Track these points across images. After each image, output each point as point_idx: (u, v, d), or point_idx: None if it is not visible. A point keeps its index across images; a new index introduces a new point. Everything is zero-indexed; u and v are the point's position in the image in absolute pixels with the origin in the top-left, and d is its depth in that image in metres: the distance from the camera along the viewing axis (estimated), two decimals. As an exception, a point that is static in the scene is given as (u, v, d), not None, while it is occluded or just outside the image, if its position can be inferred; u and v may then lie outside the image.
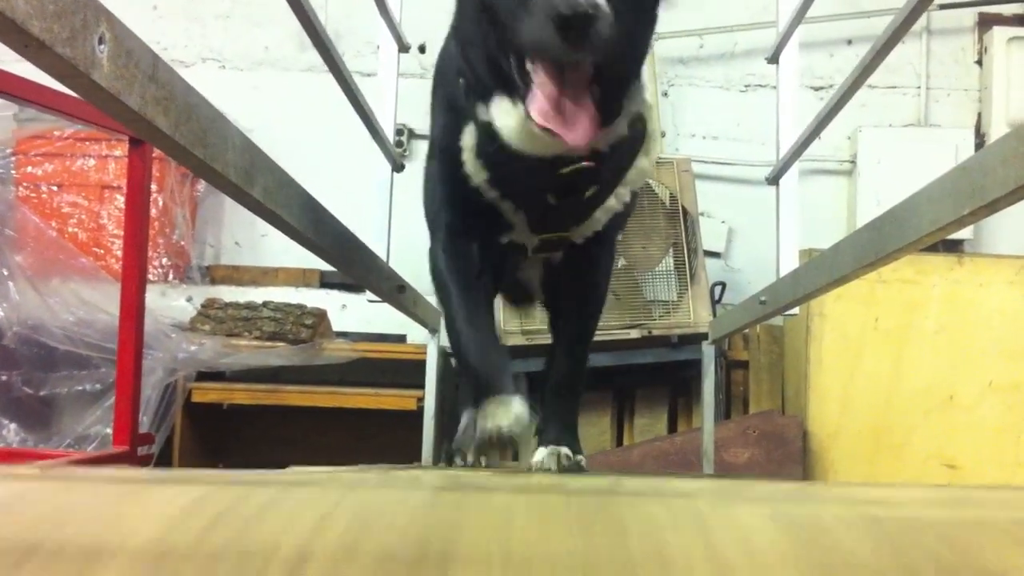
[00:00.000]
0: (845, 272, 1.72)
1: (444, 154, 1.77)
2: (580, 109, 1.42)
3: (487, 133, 1.59)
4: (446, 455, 2.67)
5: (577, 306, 1.96)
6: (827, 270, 1.84)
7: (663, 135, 5.07)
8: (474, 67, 1.59)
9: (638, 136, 1.71)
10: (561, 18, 1.28)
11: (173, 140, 1.02)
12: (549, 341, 3.64)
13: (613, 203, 1.78)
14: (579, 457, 1.86)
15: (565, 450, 1.81)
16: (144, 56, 0.95)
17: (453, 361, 4.27)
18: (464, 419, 2.52)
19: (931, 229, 1.33)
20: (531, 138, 1.49)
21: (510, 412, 1.65)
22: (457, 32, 1.66)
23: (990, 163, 1.16)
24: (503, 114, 1.53)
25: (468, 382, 2.29)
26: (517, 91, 1.48)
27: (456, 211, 1.82)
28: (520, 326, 3.93)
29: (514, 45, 1.44)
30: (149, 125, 0.96)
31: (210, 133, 1.11)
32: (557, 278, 1.99)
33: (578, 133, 1.41)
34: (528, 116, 1.43)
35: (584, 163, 1.58)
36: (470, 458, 2.43)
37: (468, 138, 1.67)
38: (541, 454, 1.81)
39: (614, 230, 1.90)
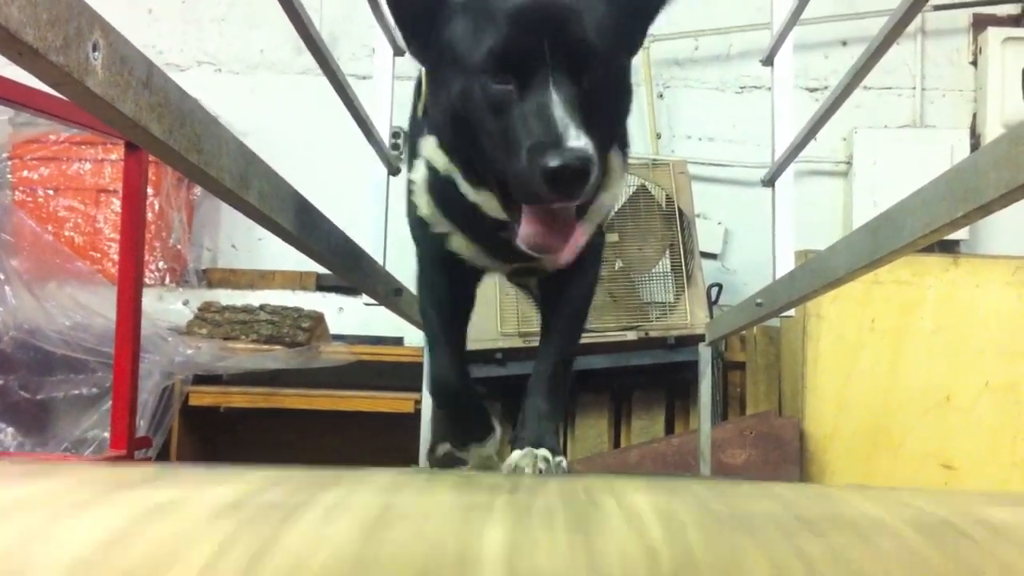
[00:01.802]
0: (841, 274, 1.72)
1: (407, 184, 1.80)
2: (567, 228, 1.41)
3: (433, 171, 1.61)
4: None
5: (562, 304, 1.91)
6: (823, 272, 1.84)
7: (658, 137, 5.08)
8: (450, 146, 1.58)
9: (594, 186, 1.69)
10: (551, 173, 1.27)
11: (168, 146, 1.02)
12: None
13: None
14: (559, 459, 1.75)
15: (543, 452, 1.71)
16: (138, 63, 0.95)
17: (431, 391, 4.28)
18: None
19: (926, 231, 1.34)
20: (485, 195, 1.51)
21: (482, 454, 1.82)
22: (430, 120, 1.62)
23: (984, 165, 1.16)
24: (480, 193, 1.53)
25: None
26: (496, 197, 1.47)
27: (424, 238, 1.83)
28: (518, 328, 3.94)
29: (498, 179, 1.42)
30: (144, 131, 0.96)
31: (205, 139, 1.11)
32: (547, 285, 1.97)
33: (567, 251, 1.43)
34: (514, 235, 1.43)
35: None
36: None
37: (420, 170, 1.68)
38: (515, 457, 1.72)
39: (593, 248, 1.86)
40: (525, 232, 1.40)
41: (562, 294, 1.88)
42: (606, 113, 1.46)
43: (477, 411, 1.93)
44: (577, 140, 1.27)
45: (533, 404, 1.83)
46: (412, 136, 1.81)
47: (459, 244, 1.72)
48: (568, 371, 1.93)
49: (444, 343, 1.88)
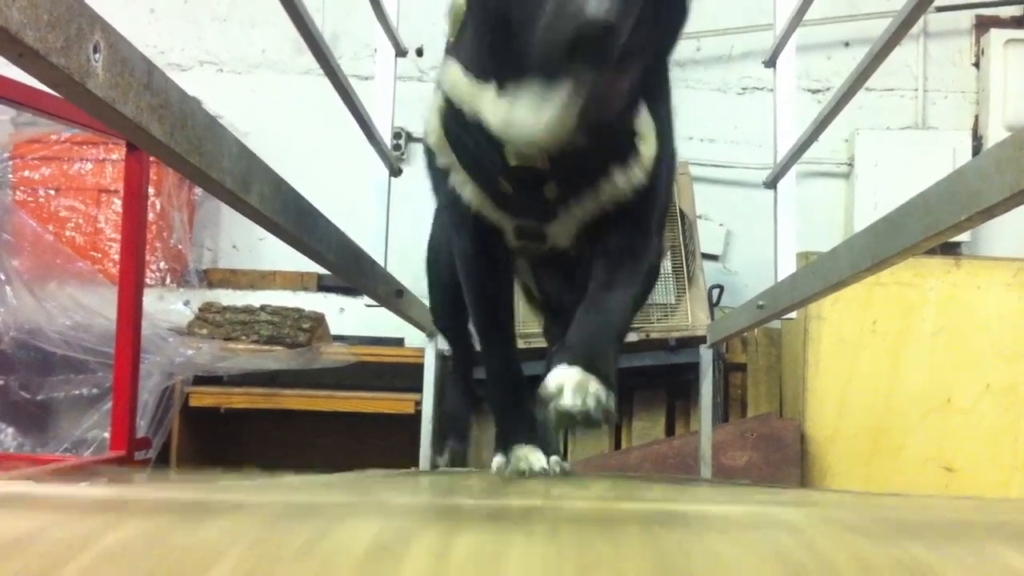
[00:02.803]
0: (842, 277, 1.72)
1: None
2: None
3: (448, 100, 1.52)
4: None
5: (604, 290, 1.62)
6: (824, 275, 1.84)
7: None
8: (472, 31, 1.49)
9: (614, 146, 1.54)
10: (577, 30, 1.16)
11: (169, 148, 1.02)
12: (547, 345, 3.62)
13: (585, 209, 1.58)
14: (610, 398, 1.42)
15: (594, 385, 1.38)
16: (139, 64, 0.95)
17: (450, 364, 4.29)
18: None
19: (928, 234, 1.33)
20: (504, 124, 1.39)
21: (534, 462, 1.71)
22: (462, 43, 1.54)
23: (986, 169, 1.16)
24: (487, 99, 1.42)
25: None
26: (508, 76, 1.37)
27: (460, 214, 1.69)
28: (518, 329, 3.93)
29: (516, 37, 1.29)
30: (144, 133, 0.96)
31: (206, 140, 1.11)
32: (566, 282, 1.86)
33: (546, 133, 1.33)
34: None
35: (531, 164, 1.46)
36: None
37: (437, 98, 1.59)
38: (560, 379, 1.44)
39: (641, 226, 1.64)
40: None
41: (600, 291, 1.60)
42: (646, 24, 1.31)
43: (524, 412, 1.81)
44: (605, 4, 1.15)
45: (581, 326, 1.54)
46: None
47: (461, 182, 1.60)
48: (626, 314, 1.67)
49: (490, 333, 1.82)
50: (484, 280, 1.78)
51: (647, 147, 1.54)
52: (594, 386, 1.38)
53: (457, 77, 1.50)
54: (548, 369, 1.41)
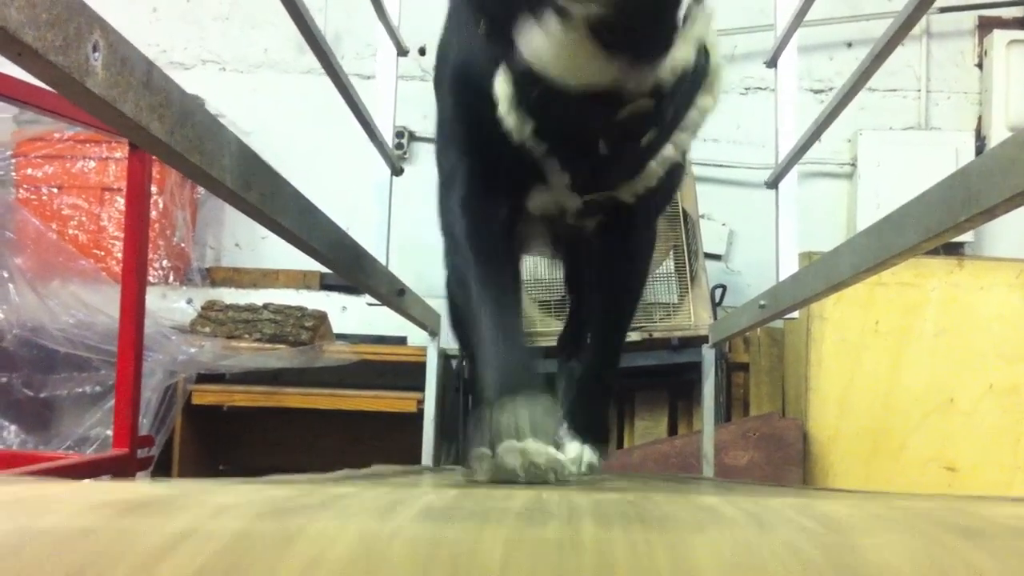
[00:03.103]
0: (844, 277, 1.72)
1: (466, 114, 1.52)
2: None
3: (526, 76, 1.31)
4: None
5: (611, 291, 1.71)
6: (826, 275, 1.84)
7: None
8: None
9: (700, 69, 1.43)
10: None
11: (169, 147, 1.02)
12: (545, 344, 3.62)
13: (671, 152, 1.50)
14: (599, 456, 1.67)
15: (587, 454, 1.64)
16: (139, 63, 0.95)
17: (453, 363, 4.30)
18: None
19: (930, 235, 1.33)
20: (578, 58, 1.23)
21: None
22: None
23: (989, 169, 1.16)
24: (537, 41, 1.25)
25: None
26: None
27: (481, 173, 1.54)
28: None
29: None
30: (144, 132, 0.96)
31: (206, 139, 1.11)
32: (586, 257, 1.79)
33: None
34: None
35: (642, 104, 1.32)
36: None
37: (502, 87, 1.38)
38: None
39: (665, 192, 1.65)
40: None
41: (611, 279, 1.70)
42: None
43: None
44: None
45: (581, 399, 1.74)
46: (468, 60, 1.49)
47: (553, 168, 1.45)
48: (615, 363, 1.80)
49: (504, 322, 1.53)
50: (494, 248, 1.57)
51: (719, 61, 1.49)
52: (587, 456, 1.66)
53: (535, 36, 1.30)
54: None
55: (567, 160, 1.44)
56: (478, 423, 1.34)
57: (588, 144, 1.41)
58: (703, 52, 1.42)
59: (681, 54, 1.31)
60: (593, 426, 1.72)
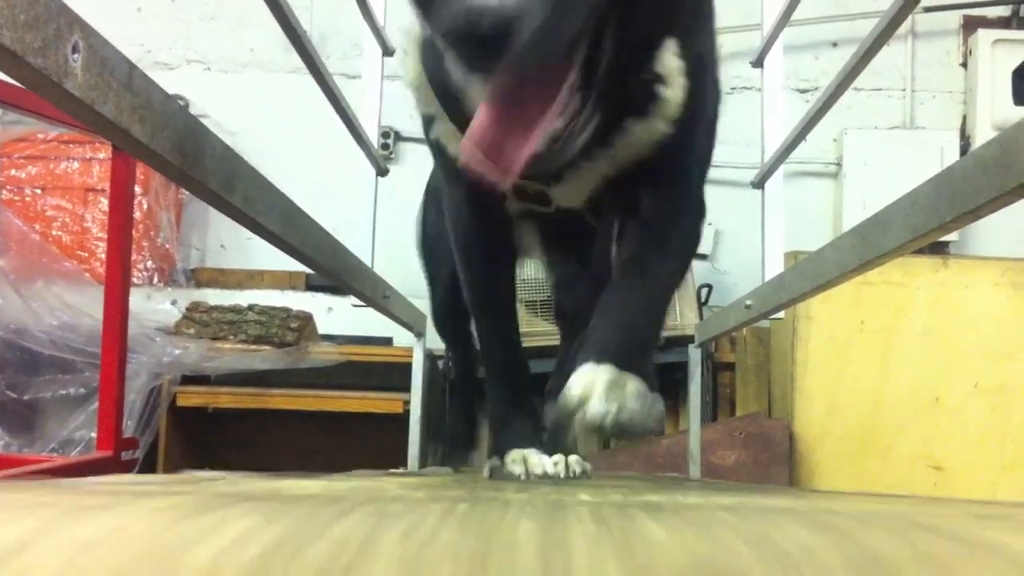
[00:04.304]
0: (829, 277, 1.72)
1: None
2: (515, 131, 1.05)
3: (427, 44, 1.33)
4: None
5: (638, 264, 1.41)
6: (811, 275, 1.84)
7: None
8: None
9: (637, 96, 1.31)
10: (453, 35, 0.95)
11: (150, 149, 1.01)
12: (537, 344, 3.61)
13: (597, 169, 1.37)
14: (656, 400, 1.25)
15: (633, 383, 1.21)
16: (119, 65, 0.94)
17: (439, 364, 4.28)
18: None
19: (915, 235, 1.33)
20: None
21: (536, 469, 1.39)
22: None
23: (974, 169, 1.16)
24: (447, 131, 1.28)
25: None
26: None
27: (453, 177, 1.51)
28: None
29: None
30: (125, 134, 0.95)
31: (188, 141, 1.10)
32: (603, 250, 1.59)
33: (503, 169, 1.05)
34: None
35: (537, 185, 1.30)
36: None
37: (413, 40, 1.45)
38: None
39: (671, 176, 1.45)
40: (468, 132, 1.06)
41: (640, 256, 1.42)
42: None
43: (525, 410, 1.61)
44: None
45: (611, 315, 1.34)
46: None
47: (447, 134, 1.43)
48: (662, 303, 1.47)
49: (488, 310, 1.60)
50: (480, 249, 1.59)
51: (673, 91, 1.31)
52: (632, 386, 1.17)
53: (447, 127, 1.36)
54: (569, 368, 1.21)
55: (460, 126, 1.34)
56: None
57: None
58: (658, 80, 1.33)
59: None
60: (634, 354, 1.27)
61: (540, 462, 1.49)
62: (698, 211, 1.54)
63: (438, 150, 1.47)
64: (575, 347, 1.42)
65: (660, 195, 1.42)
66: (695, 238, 1.53)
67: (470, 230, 1.58)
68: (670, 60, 1.30)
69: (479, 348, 1.63)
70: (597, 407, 1.12)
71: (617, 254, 1.43)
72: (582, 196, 1.44)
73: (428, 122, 1.47)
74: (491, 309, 1.63)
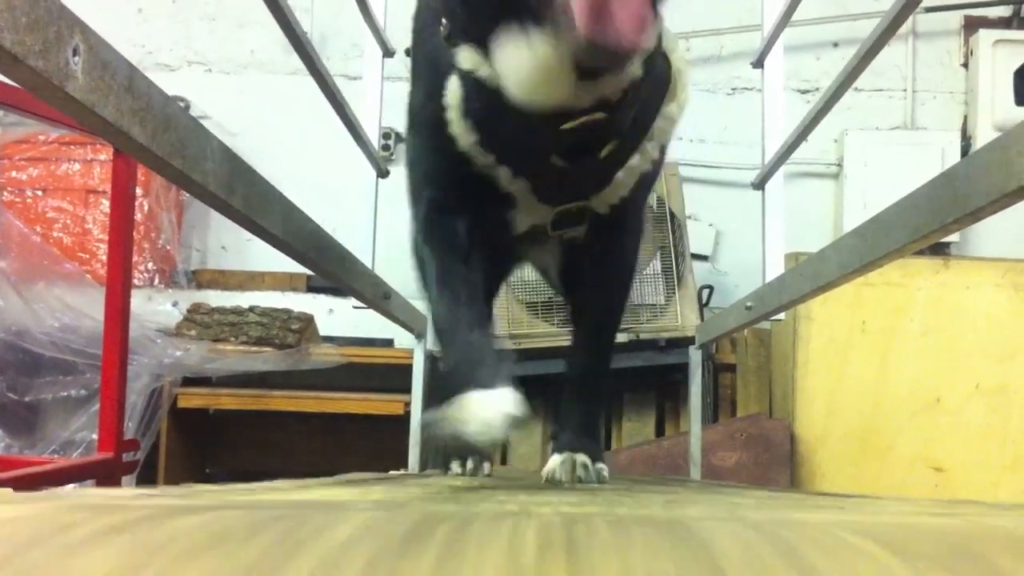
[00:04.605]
0: (830, 279, 1.72)
1: (424, 119, 1.52)
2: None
3: (473, 85, 1.35)
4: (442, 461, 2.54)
5: (599, 292, 1.71)
6: (812, 276, 1.84)
7: (650, 138, 5.07)
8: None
9: (660, 77, 1.45)
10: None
11: (151, 151, 1.01)
12: (537, 345, 3.63)
13: (637, 161, 1.51)
14: (599, 466, 1.64)
15: (582, 457, 1.61)
16: (120, 67, 0.94)
17: (441, 365, 4.28)
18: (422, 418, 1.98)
19: (916, 236, 1.33)
20: (552, 78, 1.23)
21: (479, 414, 1.26)
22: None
23: (975, 171, 1.16)
24: (517, 54, 1.24)
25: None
26: (529, 11, 1.19)
27: (441, 184, 1.56)
28: (508, 331, 3.92)
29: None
30: (126, 136, 0.95)
31: (189, 143, 1.10)
32: (576, 262, 1.72)
33: (634, 30, 1.08)
34: (557, 36, 1.15)
35: (593, 115, 1.32)
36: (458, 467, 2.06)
37: (452, 94, 1.41)
38: (553, 463, 1.62)
39: (640, 196, 1.64)
40: (581, 15, 1.08)
41: (596, 286, 1.70)
42: None
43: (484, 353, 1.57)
44: None
45: (570, 406, 1.72)
46: (430, 63, 1.50)
47: (505, 179, 1.46)
48: (606, 369, 1.81)
49: (461, 321, 1.52)
50: (466, 278, 1.56)
51: (684, 68, 1.51)
52: (581, 459, 1.64)
53: (470, 55, 1.35)
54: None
55: (520, 172, 1.46)
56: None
57: (539, 157, 1.42)
58: (661, 58, 1.44)
59: (628, 70, 1.31)
60: (588, 430, 1.72)
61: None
62: (641, 229, 1.81)
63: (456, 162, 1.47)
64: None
65: (621, 221, 1.63)
66: (634, 269, 1.82)
67: (453, 248, 1.55)
68: (671, 40, 1.46)
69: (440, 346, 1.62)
70: (560, 476, 1.61)
71: (586, 279, 1.71)
72: (619, 197, 1.55)
73: (466, 158, 1.46)
74: (459, 324, 1.56)
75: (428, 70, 1.49)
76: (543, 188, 1.48)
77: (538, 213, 1.55)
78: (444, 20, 1.39)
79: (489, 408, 1.25)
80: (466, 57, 1.35)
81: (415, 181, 1.72)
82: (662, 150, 1.58)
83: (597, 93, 1.30)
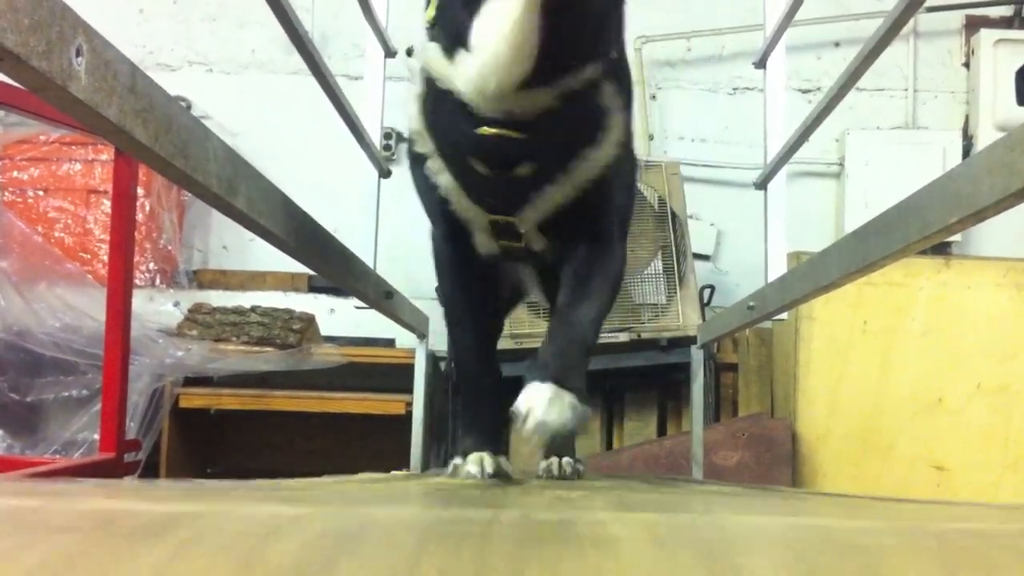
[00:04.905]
0: (832, 279, 1.72)
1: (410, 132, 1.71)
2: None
3: (431, 79, 1.53)
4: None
5: (567, 315, 1.69)
6: (814, 277, 1.84)
7: (651, 138, 5.07)
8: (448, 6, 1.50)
9: (585, 119, 1.56)
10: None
11: (153, 152, 1.01)
12: (538, 345, 3.61)
13: (559, 192, 1.58)
14: (577, 464, 1.86)
15: (566, 460, 1.84)
16: (123, 67, 0.94)
17: (442, 365, 4.29)
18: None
19: (918, 237, 1.33)
20: (490, 66, 1.39)
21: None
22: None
23: (976, 172, 1.16)
24: (455, 66, 1.46)
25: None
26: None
27: (436, 216, 1.74)
28: (509, 330, 3.92)
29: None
30: (129, 137, 0.95)
31: (191, 144, 1.10)
32: (552, 279, 1.80)
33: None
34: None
35: (509, 131, 1.46)
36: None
37: (415, 93, 1.61)
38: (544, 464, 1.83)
39: (602, 223, 1.71)
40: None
41: (570, 298, 1.68)
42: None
43: (493, 415, 1.81)
44: None
45: (553, 343, 1.61)
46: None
47: (438, 172, 1.62)
48: (590, 328, 1.68)
49: (464, 325, 1.82)
50: (459, 276, 1.79)
51: (616, 123, 1.57)
52: (567, 398, 1.44)
53: (434, 55, 1.52)
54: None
55: (455, 173, 1.59)
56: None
57: (467, 161, 1.54)
58: (595, 107, 1.54)
59: (544, 97, 1.45)
60: (570, 375, 1.53)
61: (493, 462, 1.69)
62: (621, 256, 1.87)
63: (427, 186, 1.65)
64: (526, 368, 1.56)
65: (593, 235, 1.68)
66: (619, 275, 1.82)
67: (452, 263, 1.78)
68: (611, 94, 1.54)
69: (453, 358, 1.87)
70: (541, 413, 1.41)
71: (558, 295, 1.69)
72: (542, 224, 1.63)
73: (419, 160, 1.65)
74: (469, 334, 1.83)
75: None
76: (475, 195, 1.60)
77: (476, 220, 1.66)
78: (431, 23, 1.54)
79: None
80: (431, 53, 1.51)
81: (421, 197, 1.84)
82: (627, 191, 1.76)
83: (526, 104, 1.44)
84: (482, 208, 1.62)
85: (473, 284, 1.80)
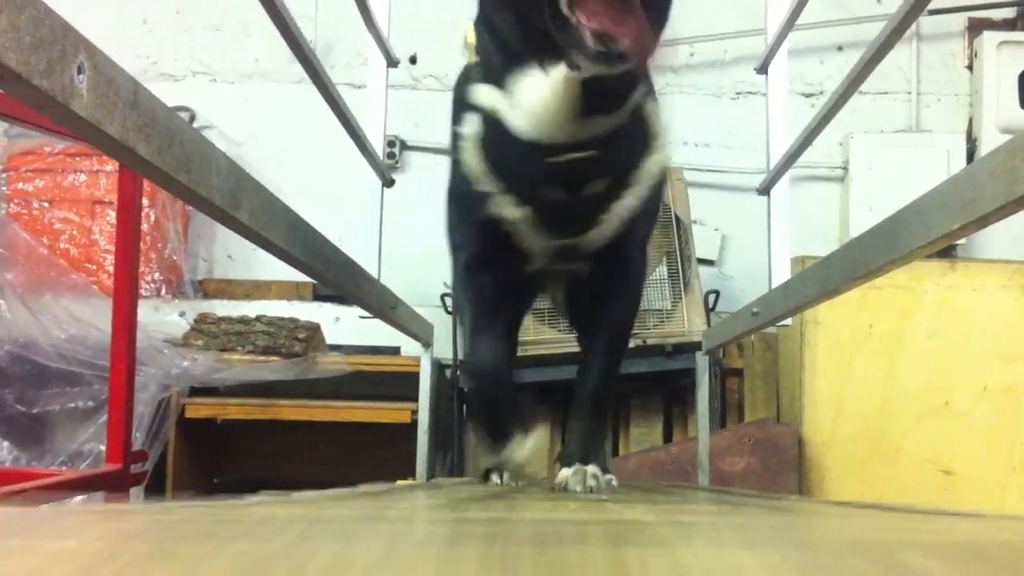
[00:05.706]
0: (836, 285, 1.71)
1: (453, 157, 1.76)
2: (630, 14, 1.32)
3: (488, 120, 1.58)
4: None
5: (604, 321, 1.88)
6: (818, 282, 1.83)
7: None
8: (500, 33, 1.54)
9: (640, 131, 1.65)
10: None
11: (156, 167, 1.01)
12: (541, 352, 3.62)
13: (624, 205, 1.68)
14: (608, 476, 1.80)
15: (592, 468, 1.75)
16: (124, 83, 0.94)
17: (447, 373, 4.29)
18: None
19: (922, 242, 1.33)
20: (562, 111, 1.47)
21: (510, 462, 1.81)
22: (482, 6, 1.60)
23: (981, 177, 1.15)
24: (524, 88, 1.50)
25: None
26: (551, 46, 1.40)
27: (471, 229, 1.82)
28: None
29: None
30: (131, 153, 0.95)
31: (194, 158, 1.10)
32: (581, 294, 1.93)
33: (635, 42, 1.31)
34: (572, 61, 1.38)
35: (584, 153, 1.53)
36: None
37: (469, 127, 1.64)
38: (564, 474, 1.76)
39: (636, 236, 1.82)
40: (590, 26, 1.32)
41: (604, 306, 1.86)
42: None
43: (512, 410, 1.89)
44: None
45: (579, 422, 1.85)
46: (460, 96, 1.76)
47: (505, 207, 1.66)
48: (610, 385, 1.93)
49: (484, 328, 1.87)
50: (489, 304, 1.88)
51: (660, 128, 1.67)
52: (591, 470, 1.74)
53: (489, 96, 1.58)
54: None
55: (522, 201, 1.65)
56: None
57: (537, 189, 1.62)
58: (643, 113, 1.63)
59: (618, 115, 1.54)
60: (593, 450, 1.82)
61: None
62: (644, 266, 2.00)
63: (473, 219, 1.75)
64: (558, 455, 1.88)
65: (628, 242, 1.78)
66: (642, 283, 2.00)
67: (483, 292, 1.87)
68: (650, 103, 1.65)
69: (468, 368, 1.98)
70: (572, 486, 1.72)
71: (591, 315, 1.90)
72: (607, 238, 1.71)
73: (481, 199, 1.68)
74: (493, 359, 1.89)
75: (457, 111, 1.72)
76: (540, 219, 1.67)
77: (539, 245, 1.74)
78: (476, 63, 1.63)
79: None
80: (484, 95, 1.57)
81: (453, 241, 1.99)
82: (653, 198, 1.78)
83: (590, 131, 1.51)
84: (552, 235, 1.70)
85: (501, 312, 1.90)
